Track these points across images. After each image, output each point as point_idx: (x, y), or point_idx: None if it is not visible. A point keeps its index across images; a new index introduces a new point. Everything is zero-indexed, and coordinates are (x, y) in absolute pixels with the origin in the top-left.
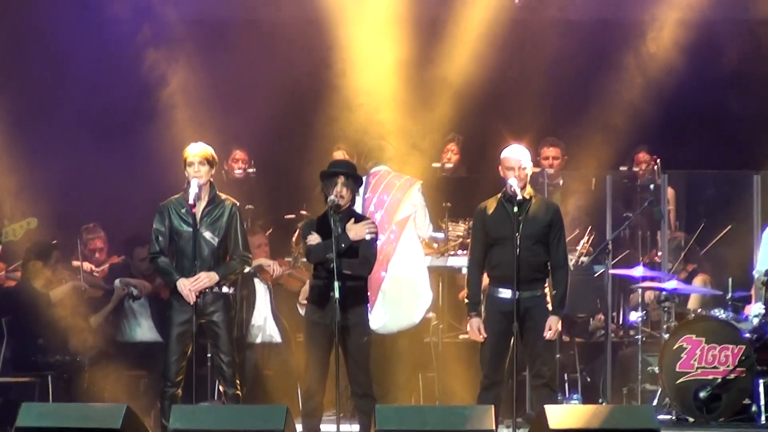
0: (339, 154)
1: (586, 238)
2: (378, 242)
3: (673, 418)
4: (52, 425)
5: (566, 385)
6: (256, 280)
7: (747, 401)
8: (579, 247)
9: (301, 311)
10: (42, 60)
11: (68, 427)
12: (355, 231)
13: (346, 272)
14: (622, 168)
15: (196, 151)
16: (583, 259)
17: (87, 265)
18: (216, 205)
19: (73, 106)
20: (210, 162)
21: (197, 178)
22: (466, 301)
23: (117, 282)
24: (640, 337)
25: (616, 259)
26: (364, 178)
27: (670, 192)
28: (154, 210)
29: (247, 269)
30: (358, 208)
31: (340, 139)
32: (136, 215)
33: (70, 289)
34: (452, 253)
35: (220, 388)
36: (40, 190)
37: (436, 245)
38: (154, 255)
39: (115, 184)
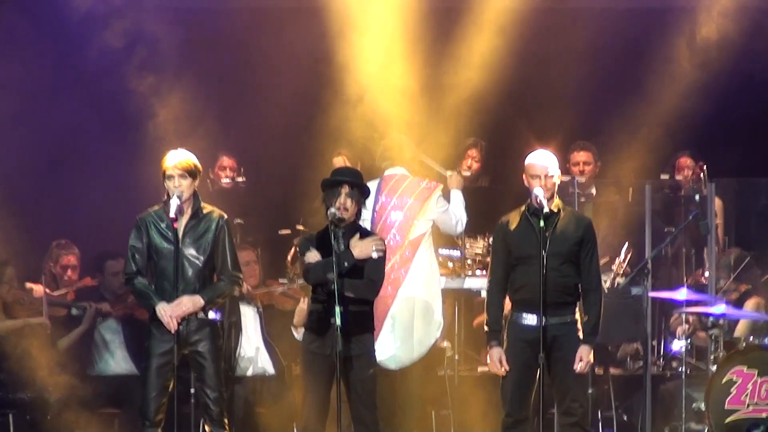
0: (339, 161)
1: (622, 256)
2: (389, 262)
3: None
4: None
5: (600, 424)
6: (243, 304)
7: None
8: (614, 267)
9: (296, 335)
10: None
11: None
12: (360, 248)
13: (348, 295)
14: (663, 176)
15: (176, 161)
16: (619, 280)
17: (38, 289)
18: (200, 219)
19: (45, 108)
20: (192, 173)
21: (179, 192)
22: (485, 328)
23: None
24: (683, 369)
25: (657, 281)
26: (376, 182)
27: (717, 203)
28: (131, 225)
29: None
30: (366, 223)
31: (342, 144)
32: (111, 231)
33: (21, 326)
34: (470, 273)
35: (206, 428)
36: (6, 203)
37: (451, 264)
38: (129, 276)
39: (88, 196)
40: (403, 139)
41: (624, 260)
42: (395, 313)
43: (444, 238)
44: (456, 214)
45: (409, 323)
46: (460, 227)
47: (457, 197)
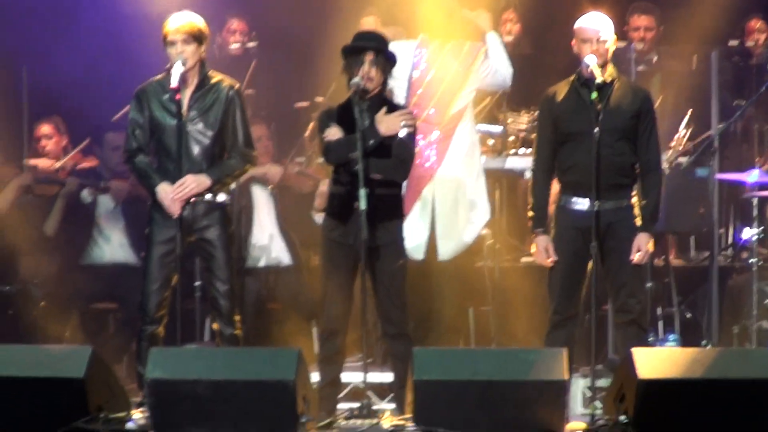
0: (369, 22)
1: (684, 130)
2: (425, 138)
3: None
4: None
5: (660, 322)
6: (255, 186)
7: None
8: (673, 144)
9: (318, 220)
10: None
11: (15, 376)
12: (387, 123)
13: (375, 177)
14: (732, 42)
15: (178, 24)
16: (682, 159)
17: (44, 162)
18: (208, 90)
19: None
20: (197, 37)
21: (182, 59)
22: (530, 213)
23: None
24: (755, 260)
25: (725, 161)
26: (413, 43)
27: None
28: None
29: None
30: (399, 92)
31: (371, 3)
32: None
33: (16, 189)
34: (512, 152)
35: (214, 326)
36: None
37: (491, 142)
38: (130, 153)
39: (83, 62)
40: None
41: (684, 135)
42: (432, 198)
43: (483, 113)
44: (500, 69)
45: (452, 211)
46: (509, 80)
47: (495, 41)
